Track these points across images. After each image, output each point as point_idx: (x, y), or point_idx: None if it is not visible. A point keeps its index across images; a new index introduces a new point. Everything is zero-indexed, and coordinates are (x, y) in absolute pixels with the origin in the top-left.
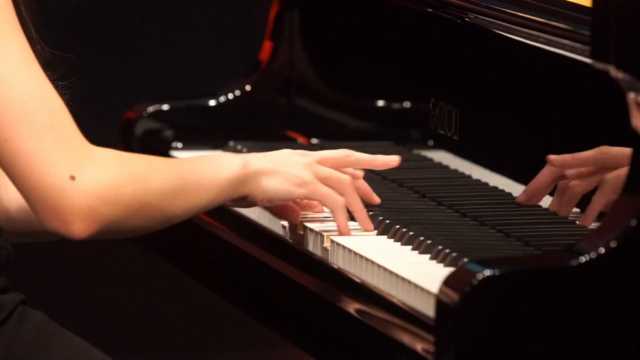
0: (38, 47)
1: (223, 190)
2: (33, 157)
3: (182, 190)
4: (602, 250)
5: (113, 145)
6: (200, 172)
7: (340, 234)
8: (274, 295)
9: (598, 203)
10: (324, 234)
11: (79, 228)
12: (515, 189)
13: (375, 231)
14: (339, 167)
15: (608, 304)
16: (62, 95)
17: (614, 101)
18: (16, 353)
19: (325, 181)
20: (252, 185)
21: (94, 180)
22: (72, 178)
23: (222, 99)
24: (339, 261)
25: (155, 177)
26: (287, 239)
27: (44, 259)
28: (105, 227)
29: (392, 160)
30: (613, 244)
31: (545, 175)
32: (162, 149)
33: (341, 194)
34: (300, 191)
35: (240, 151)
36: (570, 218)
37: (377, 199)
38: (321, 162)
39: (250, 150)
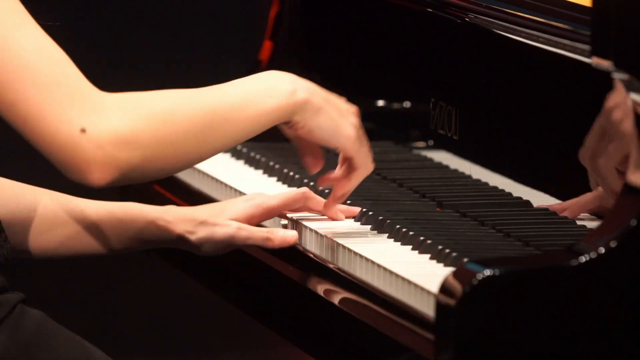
0: None
1: (267, 119)
2: (42, 116)
3: (215, 126)
4: (602, 250)
5: None
6: (240, 102)
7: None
8: (273, 294)
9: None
10: (321, 232)
11: (99, 177)
12: (515, 189)
13: (375, 231)
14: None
15: (608, 304)
16: None
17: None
18: (15, 351)
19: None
20: (299, 117)
21: (105, 128)
22: (83, 130)
23: None
24: (338, 261)
25: (180, 114)
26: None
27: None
28: (127, 172)
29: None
30: (613, 244)
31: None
32: None
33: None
34: (350, 141)
35: (240, 151)
36: (570, 218)
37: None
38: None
39: (250, 150)
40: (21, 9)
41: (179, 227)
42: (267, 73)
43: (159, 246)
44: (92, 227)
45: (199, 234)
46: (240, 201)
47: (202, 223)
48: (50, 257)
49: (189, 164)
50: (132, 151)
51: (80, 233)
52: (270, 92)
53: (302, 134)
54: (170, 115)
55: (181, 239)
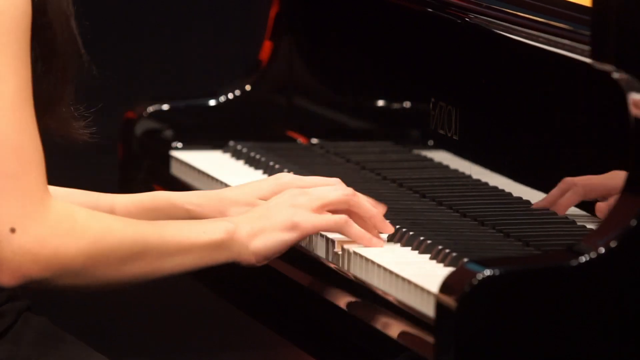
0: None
1: (199, 254)
2: None
3: (142, 255)
4: (602, 250)
5: (113, 145)
6: (172, 235)
7: (365, 245)
8: (273, 294)
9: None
10: (321, 232)
11: (6, 279)
12: (515, 189)
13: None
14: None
15: (608, 304)
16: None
17: (614, 101)
18: (21, 357)
19: (323, 208)
20: (241, 249)
21: (32, 239)
22: (12, 231)
23: (222, 99)
24: (339, 261)
25: (110, 239)
26: None
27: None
28: (36, 283)
29: (388, 227)
30: (613, 244)
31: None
32: (162, 149)
33: (346, 210)
34: (293, 235)
35: (240, 151)
36: (570, 218)
37: (390, 228)
38: (322, 207)
39: (250, 150)
40: (26, 95)
41: (210, 210)
42: (205, 220)
43: None
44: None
45: (233, 215)
46: (264, 181)
47: (234, 203)
48: None
49: (108, 288)
50: (47, 267)
51: None
52: (204, 228)
53: (263, 263)
54: (100, 239)
55: None
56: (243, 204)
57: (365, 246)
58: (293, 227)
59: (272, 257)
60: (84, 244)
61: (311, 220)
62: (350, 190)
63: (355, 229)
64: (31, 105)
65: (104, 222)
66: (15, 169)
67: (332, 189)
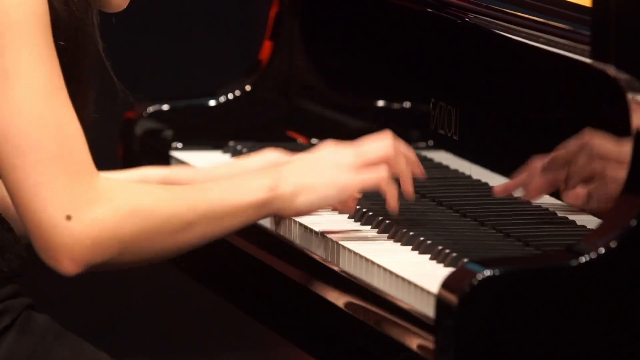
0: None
1: (245, 214)
2: (35, 191)
3: (193, 223)
4: (602, 250)
5: (113, 145)
6: (219, 199)
7: (389, 206)
8: (273, 294)
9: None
10: (321, 232)
11: (67, 267)
12: None
13: (375, 231)
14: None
15: (608, 304)
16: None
17: (614, 101)
18: (22, 356)
19: (364, 165)
20: (282, 205)
21: (89, 223)
22: (68, 218)
23: (222, 99)
24: (339, 261)
25: (162, 211)
26: (293, 240)
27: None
28: (98, 267)
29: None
30: (613, 244)
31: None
32: (162, 149)
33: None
34: (336, 195)
35: (240, 151)
36: (570, 218)
37: (421, 169)
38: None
39: (250, 150)
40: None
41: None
42: (247, 173)
43: None
44: None
45: None
46: (253, 161)
47: None
48: None
49: (165, 258)
50: (108, 249)
51: None
52: (248, 187)
53: (297, 215)
54: (151, 213)
55: None
56: None
57: (389, 206)
58: (337, 187)
59: (313, 212)
60: (139, 220)
61: (354, 181)
62: (390, 146)
63: (392, 190)
64: (65, 91)
65: (153, 195)
66: (59, 152)
67: (375, 146)
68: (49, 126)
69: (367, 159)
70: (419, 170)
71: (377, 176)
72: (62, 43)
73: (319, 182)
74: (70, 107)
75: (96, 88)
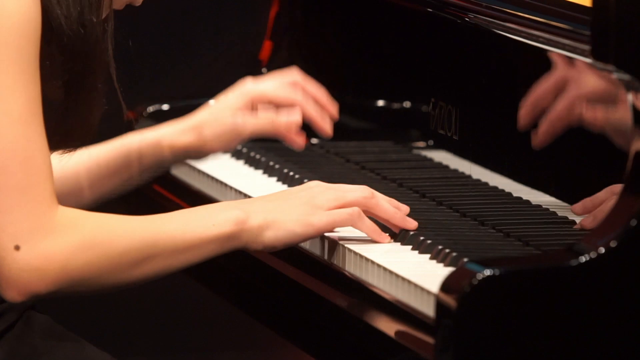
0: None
1: (208, 248)
2: None
3: (151, 257)
4: (602, 250)
5: None
6: (181, 231)
7: (376, 240)
8: (273, 294)
9: None
10: (327, 235)
11: (11, 295)
12: (515, 188)
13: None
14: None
15: (608, 304)
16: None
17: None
18: (23, 355)
19: (339, 205)
20: (249, 239)
21: (36, 255)
22: (17, 248)
23: None
24: (339, 261)
25: (118, 246)
26: None
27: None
28: (44, 296)
29: (410, 223)
30: (613, 244)
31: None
32: None
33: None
34: (305, 231)
35: (240, 151)
36: (570, 218)
37: (413, 224)
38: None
39: (250, 150)
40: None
41: (189, 139)
42: (214, 205)
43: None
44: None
45: (209, 135)
46: (231, 94)
47: (209, 126)
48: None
49: (125, 288)
50: (56, 280)
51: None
52: (213, 219)
53: (268, 251)
54: (107, 247)
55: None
56: (218, 124)
57: (376, 241)
58: (307, 225)
59: (280, 249)
60: (92, 254)
61: (325, 218)
62: (369, 191)
63: (367, 223)
64: (40, 119)
65: (111, 227)
66: (23, 181)
67: (351, 189)
68: (18, 156)
69: (342, 203)
70: (403, 209)
71: (348, 213)
72: (72, 55)
73: (289, 219)
74: (43, 136)
75: (104, 98)
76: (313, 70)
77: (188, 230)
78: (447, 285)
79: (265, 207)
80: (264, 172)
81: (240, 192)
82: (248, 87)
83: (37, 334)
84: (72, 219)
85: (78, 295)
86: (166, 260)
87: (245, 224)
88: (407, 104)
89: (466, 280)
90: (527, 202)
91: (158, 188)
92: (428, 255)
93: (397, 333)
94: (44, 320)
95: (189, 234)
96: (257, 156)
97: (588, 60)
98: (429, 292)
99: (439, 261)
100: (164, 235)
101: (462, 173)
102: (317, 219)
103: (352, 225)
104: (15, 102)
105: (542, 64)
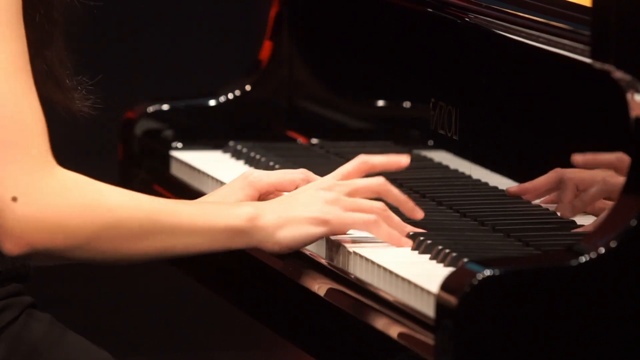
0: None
1: (215, 238)
2: None
3: (151, 233)
4: (602, 250)
5: (113, 145)
6: (188, 215)
7: (394, 245)
8: (273, 294)
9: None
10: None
11: (8, 246)
12: None
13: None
14: (372, 195)
15: (608, 304)
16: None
17: (614, 101)
18: (23, 354)
19: (353, 195)
20: (264, 237)
21: (35, 206)
22: (14, 199)
23: (222, 99)
24: (339, 261)
25: (119, 213)
26: None
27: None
28: (42, 251)
29: (418, 213)
30: (613, 244)
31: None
32: (162, 149)
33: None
34: (321, 230)
35: (240, 151)
36: (569, 218)
37: (420, 213)
38: (353, 193)
39: (250, 150)
40: (23, 65)
41: None
42: (230, 204)
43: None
44: None
45: None
46: (235, 184)
47: None
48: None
49: (119, 263)
50: (51, 235)
51: None
52: (225, 212)
53: (283, 252)
54: (107, 211)
55: None
56: None
57: (395, 246)
58: (323, 222)
59: (296, 248)
60: (90, 215)
61: (342, 218)
62: (381, 178)
63: (384, 229)
64: (29, 74)
65: (114, 195)
66: (15, 136)
67: (366, 181)
68: (8, 111)
69: (355, 188)
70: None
71: (366, 219)
72: None
73: (304, 216)
74: (33, 92)
75: (61, 5)
76: (313, 70)
77: (196, 213)
78: (447, 286)
79: (280, 206)
80: None
81: None
82: (253, 177)
83: (38, 331)
84: (74, 181)
85: (76, 261)
86: (169, 239)
87: (258, 221)
88: (407, 104)
89: (466, 280)
90: (527, 202)
91: (158, 188)
92: (428, 256)
93: (397, 333)
94: (45, 318)
95: (196, 217)
96: (257, 156)
97: (588, 60)
98: (429, 292)
99: (439, 261)
100: (170, 215)
101: (462, 173)
102: (333, 217)
103: (368, 231)
104: (4, 54)
105: (542, 64)
